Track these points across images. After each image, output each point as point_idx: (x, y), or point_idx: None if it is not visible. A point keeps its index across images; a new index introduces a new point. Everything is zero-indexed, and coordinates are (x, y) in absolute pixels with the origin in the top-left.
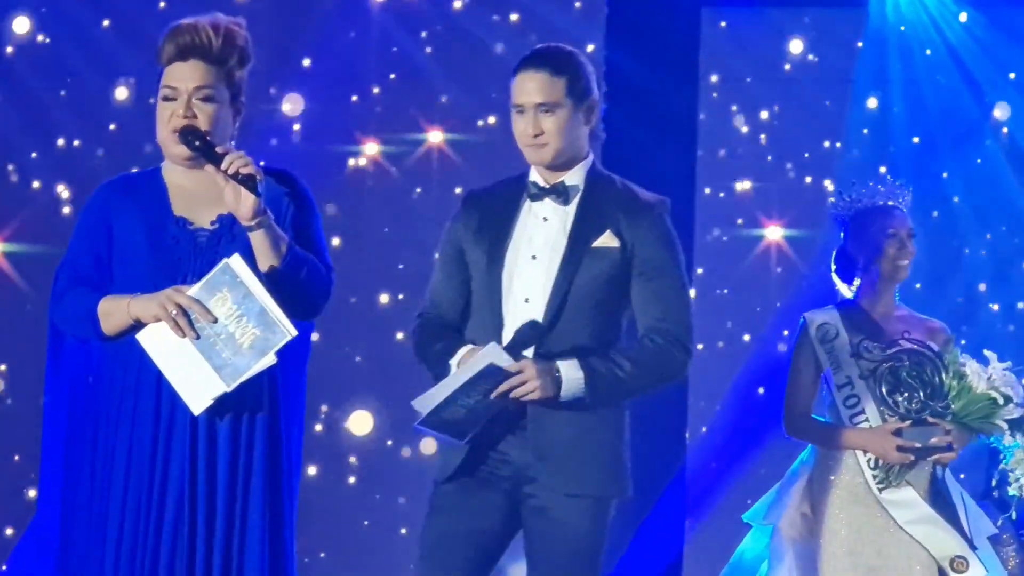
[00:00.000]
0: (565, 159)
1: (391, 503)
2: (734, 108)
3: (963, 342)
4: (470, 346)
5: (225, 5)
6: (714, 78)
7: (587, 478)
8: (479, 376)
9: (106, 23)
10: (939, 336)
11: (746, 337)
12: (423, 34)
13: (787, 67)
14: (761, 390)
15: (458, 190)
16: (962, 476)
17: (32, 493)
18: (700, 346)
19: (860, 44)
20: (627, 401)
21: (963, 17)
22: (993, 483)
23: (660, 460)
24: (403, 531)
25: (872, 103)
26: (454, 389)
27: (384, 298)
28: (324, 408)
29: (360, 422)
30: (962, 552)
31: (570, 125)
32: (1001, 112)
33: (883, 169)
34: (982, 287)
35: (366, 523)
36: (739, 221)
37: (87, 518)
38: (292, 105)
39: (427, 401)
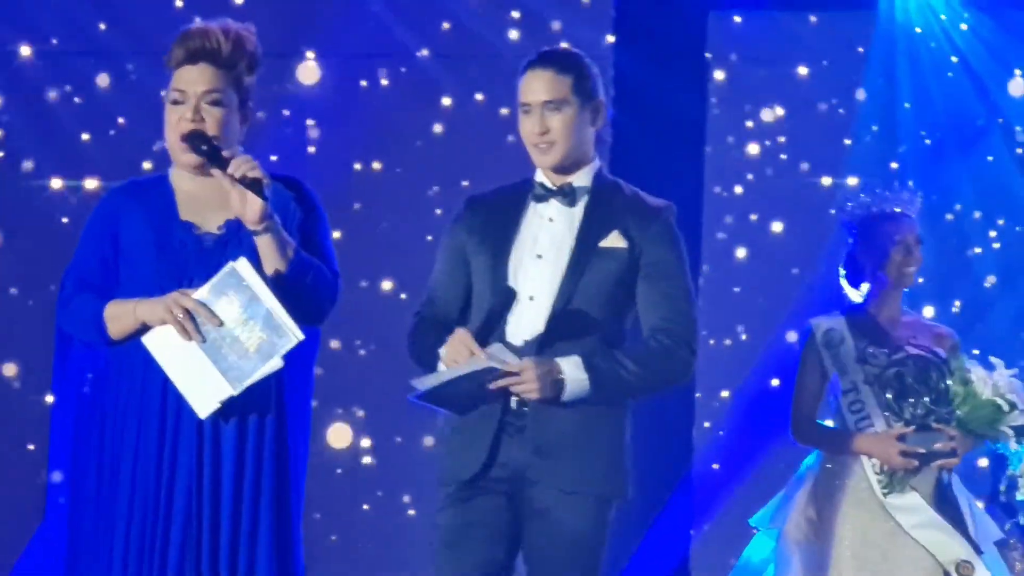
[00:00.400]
0: (572, 161)
1: (400, 487)
2: (748, 108)
3: (976, 352)
4: (460, 330)
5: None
6: (720, 75)
7: (586, 475)
8: (479, 372)
9: (102, 26)
10: (945, 342)
11: (744, 336)
12: (428, 35)
13: (796, 68)
14: (776, 381)
15: (465, 183)
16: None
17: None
18: (712, 341)
19: (868, 46)
20: (630, 402)
21: (964, 27)
22: (1001, 488)
23: (666, 463)
24: (411, 513)
25: (880, 104)
26: (452, 377)
27: (387, 285)
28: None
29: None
30: (968, 557)
31: (577, 124)
32: (1016, 88)
33: (894, 165)
34: (990, 280)
35: (367, 507)
36: (752, 217)
37: (94, 521)
38: (307, 73)
39: (425, 384)
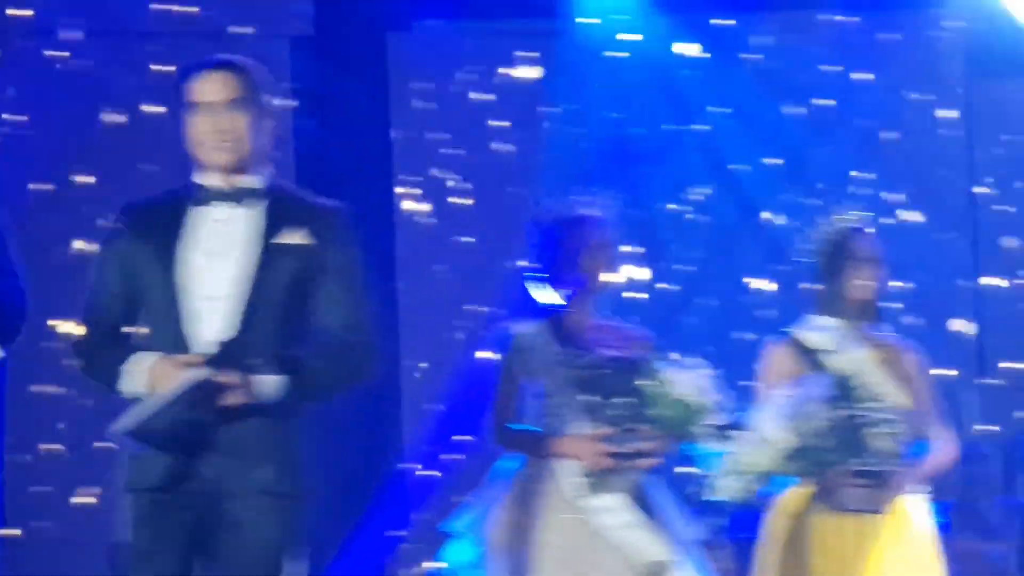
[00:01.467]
0: (247, 163)
1: None
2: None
3: (723, 361)
4: (147, 355)
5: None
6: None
7: (270, 475)
8: (191, 389)
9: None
10: (640, 344)
11: (459, 336)
12: None
13: (488, 71)
14: (492, 354)
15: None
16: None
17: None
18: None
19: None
20: (309, 406)
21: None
22: (697, 488)
23: (372, 464)
24: None
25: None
26: (163, 404)
27: None
28: None
29: None
30: (666, 557)
31: (255, 126)
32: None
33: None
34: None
35: None
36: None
37: None
38: None
39: (133, 419)
